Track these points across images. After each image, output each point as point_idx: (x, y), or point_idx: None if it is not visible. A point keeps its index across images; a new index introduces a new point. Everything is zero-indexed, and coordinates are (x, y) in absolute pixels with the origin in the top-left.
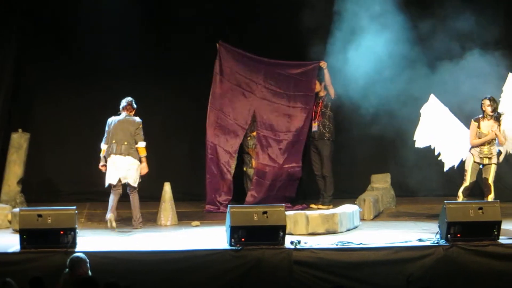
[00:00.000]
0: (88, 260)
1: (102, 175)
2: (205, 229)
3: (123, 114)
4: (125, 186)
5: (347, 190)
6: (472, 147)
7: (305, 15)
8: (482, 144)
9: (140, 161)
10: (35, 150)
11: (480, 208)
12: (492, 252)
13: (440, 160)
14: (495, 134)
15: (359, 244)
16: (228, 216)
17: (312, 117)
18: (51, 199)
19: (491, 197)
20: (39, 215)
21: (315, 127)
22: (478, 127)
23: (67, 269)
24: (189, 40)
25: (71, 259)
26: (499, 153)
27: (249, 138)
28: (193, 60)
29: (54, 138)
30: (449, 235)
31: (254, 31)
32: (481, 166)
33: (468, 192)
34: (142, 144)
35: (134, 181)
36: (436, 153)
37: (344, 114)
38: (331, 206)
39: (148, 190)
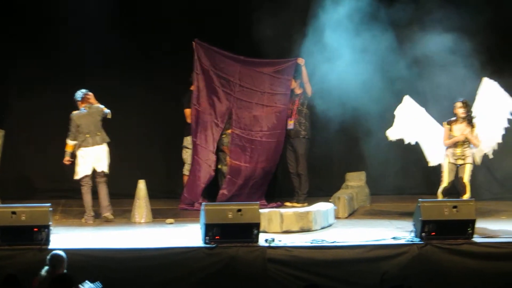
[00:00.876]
0: (66, 259)
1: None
2: (180, 227)
3: (86, 106)
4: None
5: (322, 188)
6: (446, 148)
7: (281, 12)
8: (455, 146)
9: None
10: (10, 147)
11: (455, 207)
12: (466, 250)
13: (423, 158)
14: (467, 137)
15: (333, 242)
16: (202, 213)
17: (288, 115)
18: (25, 196)
19: (466, 197)
20: (13, 212)
21: (291, 125)
22: (450, 130)
23: (46, 267)
24: (164, 39)
25: (53, 257)
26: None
27: (224, 135)
28: (169, 59)
29: (29, 135)
30: (423, 234)
31: (228, 29)
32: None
33: (447, 193)
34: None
35: (107, 167)
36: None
37: (320, 112)
38: (306, 204)
39: (123, 187)
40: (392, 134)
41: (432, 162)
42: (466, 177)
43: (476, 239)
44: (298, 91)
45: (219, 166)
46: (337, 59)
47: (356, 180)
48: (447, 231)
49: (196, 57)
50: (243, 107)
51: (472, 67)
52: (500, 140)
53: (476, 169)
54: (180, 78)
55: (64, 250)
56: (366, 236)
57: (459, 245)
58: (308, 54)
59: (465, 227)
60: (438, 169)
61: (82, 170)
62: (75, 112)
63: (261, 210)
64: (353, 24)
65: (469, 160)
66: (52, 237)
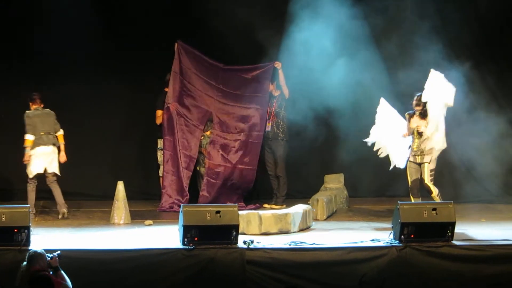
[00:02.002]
0: (46, 256)
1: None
2: (158, 228)
3: (39, 108)
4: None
5: (301, 190)
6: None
7: (259, 15)
8: (412, 141)
9: (59, 150)
10: None
11: (434, 209)
12: (446, 253)
13: (387, 158)
14: (420, 130)
15: (312, 244)
16: (181, 215)
17: (266, 115)
18: (5, 197)
19: (434, 195)
20: None
21: (269, 127)
22: (409, 121)
23: (24, 263)
24: (145, 40)
25: (29, 253)
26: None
27: (202, 137)
28: (149, 60)
29: (8, 137)
30: (402, 236)
31: (210, 31)
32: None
33: (415, 192)
34: (61, 132)
35: (57, 169)
36: (380, 152)
37: (298, 114)
38: (284, 206)
39: (102, 189)
40: (370, 137)
41: (393, 164)
42: (426, 178)
43: (456, 241)
44: (275, 93)
45: (197, 168)
46: (313, 61)
47: (334, 182)
48: (427, 234)
49: (176, 57)
50: (223, 109)
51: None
52: (445, 145)
53: (455, 170)
54: (158, 78)
55: (44, 251)
56: (344, 238)
57: (439, 248)
58: (285, 56)
59: (445, 229)
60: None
61: (35, 169)
62: (29, 111)
63: (239, 212)
64: (330, 25)
65: (426, 159)
66: (32, 238)
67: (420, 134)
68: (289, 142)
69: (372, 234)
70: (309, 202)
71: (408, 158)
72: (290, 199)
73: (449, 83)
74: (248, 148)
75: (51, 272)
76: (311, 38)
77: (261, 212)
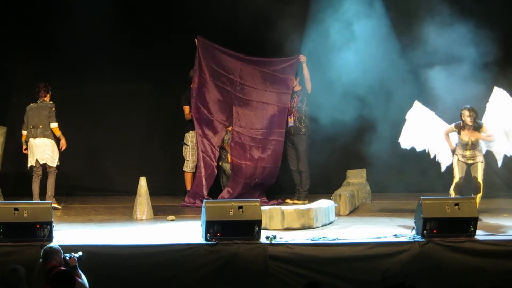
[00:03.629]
0: (62, 251)
1: (78, 170)
2: (181, 224)
3: (38, 101)
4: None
5: (323, 185)
6: (455, 149)
7: (283, 11)
8: (464, 149)
9: (59, 141)
10: (12, 144)
11: (456, 204)
12: (468, 248)
13: (436, 160)
14: (477, 138)
15: (334, 240)
16: (203, 210)
17: (288, 112)
18: (28, 193)
19: (479, 196)
20: (16, 209)
21: (291, 122)
22: (459, 133)
23: (40, 259)
24: (169, 37)
25: (44, 249)
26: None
27: (225, 133)
28: (174, 56)
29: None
30: (425, 231)
31: (232, 26)
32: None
33: (460, 189)
34: (54, 125)
35: (51, 161)
36: (432, 156)
37: (320, 109)
38: (307, 201)
39: (124, 184)
40: (404, 141)
41: (444, 164)
42: (480, 176)
43: (478, 236)
44: (297, 88)
45: (220, 163)
46: (338, 55)
47: (357, 177)
48: (449, 229)
49: (197, 54)
50: (244, 105)
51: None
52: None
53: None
54: (181, 74)
55: (66, 246)
56: (367, 234)
57: (461, 243)
58: (310, 51)
59: (467, 224)
60: (439, 165)
61: (29, 161)
62: (29, 105)
63: (262, 207)
64: (357, 19)
65: (479, 159)
66: (54, 234)
67: (473, 144)
68: (311, 137)
69: (394, 229)
70: (331, 197)
71: (457, 157)
72: (313, 195)
73: None
74: (269, 146)
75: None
76: (334, 30)
77: (283, 207)
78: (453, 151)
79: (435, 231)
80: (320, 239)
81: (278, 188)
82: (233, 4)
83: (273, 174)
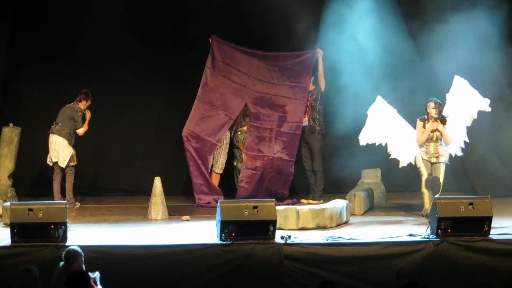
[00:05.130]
0: (83, 254)
1: (91, 170)
2: (196, 224)
3: (72, 103)
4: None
5: (338, 185)
6: (420, 145)
7: (297, 7)
8: (428, 144)
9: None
10: (26, 144)
11: (471, 204)
12: (483, 247)
13: (395, 158)
14: (440, 131)
15: (349, 239)
16: (218, 210)
17: (305, 105)
18: (42, 193)
19: (436, 196)
20: (30, 209)
21: (305, 121)
22: (423, 126)
23: (62, 262)
24: (184, 35)
25: (67, 252)
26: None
27: (239, 132)
28: (189, 55)
29: (45, 132)
30: (439, 231)
31: (246, 25)
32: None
33: (431, 185)
34: (80, 131)
35: (61, 161)
36: (388, 151)
37: (334, 107)
38: (322, 201)
39: (139, 185)
40: (363, 139)
41: (403, 162)
42: (441, 178)
43: (493, 236)
44: (311, 87)
45: (235, 163)
46: (354, 53)
47: (372, 177)
48: (463, 228)
49: (210, 52)
50: (260, 100)
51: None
52: (466, 139)
53: (491, 164)
54: (198, 73)
55: (81, 247)
56: (382, 233)
57: (476, 242)
58: (325, 47)
59: (482, 224)
60: (453, 165)
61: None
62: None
63: (277, 207)
64: (373, 16)
65: (442, 159)
66: (69, 234)
67: (437, 138)
68: (325, 136)
69: (409, 229)
70: (346, 197)
71: (420, 154)
72: (327, 194)
73: (475, 91)
74: (286, 139)
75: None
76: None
77: (298, 207)
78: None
79: (449, 230)
80: (335, 239)
81: (293, 188)
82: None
83: (288, 168)
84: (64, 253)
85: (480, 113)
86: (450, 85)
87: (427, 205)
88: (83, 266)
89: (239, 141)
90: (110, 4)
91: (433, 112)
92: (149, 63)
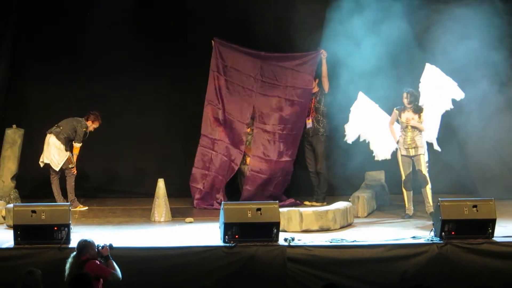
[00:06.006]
0: (96, 245)
1: (95, 171)
2: (199, 226)
3: (81, 118)
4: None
5: (341, 187)
6: (398, 139)
7: (300, 8)
8: (405, 134)
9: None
10: (29, 146)
11: (475, 206)
12: (487, 250)
13: (370, 149)
14: (410, 123)
15: (353, 242)
16: (221, 212)
17: (308, 107)
18: (45, 195)
19: (428, 187)
20: (33, 211)
21: (309, 123)
22: (399, 116)
23: (74, 253)
24: (188, 36)
25: (79, 242)
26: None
27: (245, 133)
28: (193, 56)
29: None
30: (443, 233)
31: (250, 26)
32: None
33: (409, 185)
34: (76, 145)
35: (54, 164)
36: (370, 147)
37: (337, 110)
38: (325, 203)
39: (142, 186)
40: (349, 136)
41: (379, 156)
42: (424, 169)
43: (497, 238)
44: (315, 89)
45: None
46: (357, 54)
47: (375, 179)
48: (467, 231)
49: (214, 55)
50: (265, 102)
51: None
52: (438, 127)
53: (495, 166)
54: (205, 75)
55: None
56: (385, 236)
57: (479, 245)
58: (329, 49)
59: (486, 226)
60: (458, 167)
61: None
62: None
63: (280, 209)
64: (376, 15)
65: (421, 151)
66: (72, 236)
67: (413, 128)
68: (329, 138)
69: (412, 231)
70: (350, 199)
71: (399, 151)
72: (331, 196)
73: (447, 77)
74: (290, 141)
75: (101, 261)
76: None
77: (302, 209)
78: (397, 144)
79: (453, 232)
80: (338, 241)
81: (296, 190)
82: (251, 2)
83: (289, 168)
84: (77, 244)
85: (483, 114)
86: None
87: (407, 204)
88: (97, 256)
89: (244, 143)
90: (113, 5)
91: (405, 102)
92: (153, 64)
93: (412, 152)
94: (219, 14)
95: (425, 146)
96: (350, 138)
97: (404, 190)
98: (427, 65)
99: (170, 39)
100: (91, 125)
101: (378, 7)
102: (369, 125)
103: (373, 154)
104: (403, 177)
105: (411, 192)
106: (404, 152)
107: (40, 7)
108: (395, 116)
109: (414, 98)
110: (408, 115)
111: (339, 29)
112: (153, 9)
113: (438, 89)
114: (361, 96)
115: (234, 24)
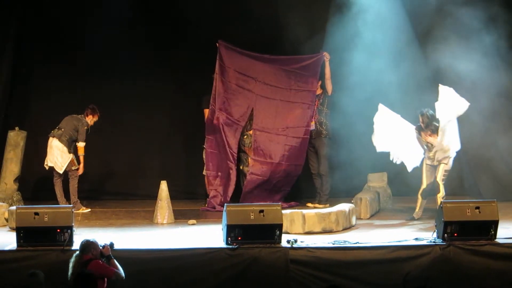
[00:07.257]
0: (98, 244)
1: (98, 174)
2: (202, 228)
3: (79, 115)
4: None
5: (344, 189)
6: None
7: (303, 11)
8: (429, 150)
9: (78, 160)
10: (32, 148)
11: (477, 208)
12: (489, 251)
13: (402, 163)
14: (430, 142)
15: (355, 243)
16: (224, 214)
17: (312, 110)
18: (48, 197)
19: (440, 195)
20: (36, 213)
21: (312, 125)
22: (419, 134)
23: (77, 253)
24: (190, 39)
25: (82, 242)
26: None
27: (245, 136)
28: (195, 58)
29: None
30: (446, 234)
31: (254, 29)
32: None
33: (426, 194)
34: (80, 144)
35: (58, 167)
36: (391, 158)
37: (340, 112)
38: (328, 205)
39: (145, 188)
40: (379, 146)
41: (409, 167)
42: (439, 176)
43: (499, 240)
44: (318, 91)
45: (241, 167)
46: (360, 56)
47: (378, 181)
48: (470, 232)
49: (217, 58)
50: (267, 105)
51: None
52: (459, 146)
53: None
54: (202, 78)
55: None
56: (388, 237)
57: (482, 246)
58: (332, 51)
59: (488, 228)
60: (459, 168)
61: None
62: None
63: (283, 211)
64: (380, 19)
65: (444, 161)
66: (75, 238)
67: (433, 145)
68: (332, 140)
69: (415, 233)
70: (352, 201)
71: (424, 160)
72: (334, 198)
73: (461, 98)
74: (295, 144)
75: (104, 261)
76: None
77: (304, 211)
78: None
79: (455, 234)
80: (341, 243)
81: (299, 191)
82: (254, 5)
83: (295, 172)
84: (80, 244)
85: (486, 117)
86: (459, 85)
87: (417, 209)
88: (99, 255)
89: (245, 145)
90: (117, 7)
91: (422, 126)
92: (156, 67)
93: (436, 163)
94: (223, 16)
95: (452, 154)
96: (379, 148)
97: (419, 196)
98: (440, 86)
99: (174, 42)
100: (91, 120)
101: (382, 9)
102: (391, 138)
103: (404, 165)
104: (424, 186)
105: (425, 200)
106: (428, 162)
107: (43, 10)
108: (417, 135)
109: (429, 120)
110: (426, 135)
111: (342, 31)
112: (156, 11)
113: (453, 108)
114: (382, 107)
115: (238, 26)
